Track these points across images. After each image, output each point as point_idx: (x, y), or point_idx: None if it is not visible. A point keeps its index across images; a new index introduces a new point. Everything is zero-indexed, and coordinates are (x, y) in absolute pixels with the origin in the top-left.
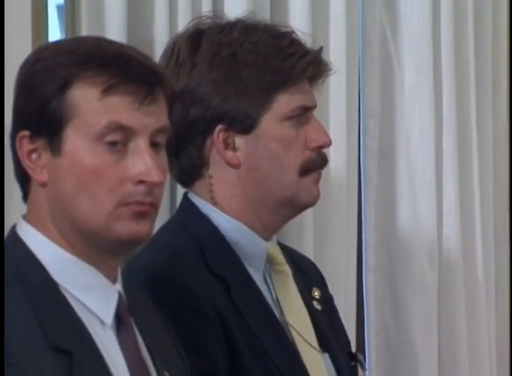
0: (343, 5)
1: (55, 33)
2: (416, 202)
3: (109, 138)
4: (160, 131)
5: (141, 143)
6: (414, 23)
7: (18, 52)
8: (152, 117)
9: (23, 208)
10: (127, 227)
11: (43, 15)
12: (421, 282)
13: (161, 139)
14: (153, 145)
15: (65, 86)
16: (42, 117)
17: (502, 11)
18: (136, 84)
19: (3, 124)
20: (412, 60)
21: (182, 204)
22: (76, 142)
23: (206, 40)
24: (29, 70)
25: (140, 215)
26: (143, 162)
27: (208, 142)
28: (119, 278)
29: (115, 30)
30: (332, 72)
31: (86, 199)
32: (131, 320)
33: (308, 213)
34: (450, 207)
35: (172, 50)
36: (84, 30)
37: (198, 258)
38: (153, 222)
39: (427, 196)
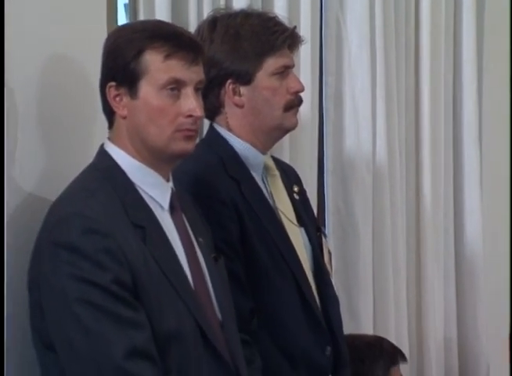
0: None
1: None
2: (359, 130)
3: (169, 87)
4: (200, 82)
5: (189, 91)
6: (357, 13)
7: (97, 35)
8: (195, 74)
9: (102, 135)
10: (180, 146)
11: (114, 10)
12: (362, 182)
13: (200, 88)
14: (196, 92)
15: (139, 53)
16: (125, 73)
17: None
18: (186, 52)
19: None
20: (356, 37)
21: (208, 130)
22: (147, 90)
23: (219, 24)
24: (114, 42)
25: (188, 138)
26: (191, 103)
27: (222, 91)
28: (171, 179)
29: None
30: (304, 42)
31: (153, 127)
32: (179, 206)
33: (286, 138)
34: (380, 133)
35: (198, 31)
36: None
37: (220, 167)
38: (195, 142)
39: (365, 126)
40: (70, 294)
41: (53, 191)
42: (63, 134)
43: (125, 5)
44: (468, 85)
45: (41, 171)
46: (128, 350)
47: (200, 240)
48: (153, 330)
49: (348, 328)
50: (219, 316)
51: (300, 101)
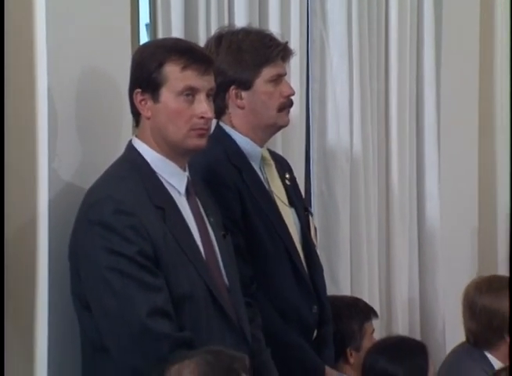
0: (297, 19)
1: (144, 40)
2: (340, 125)
3: (185, 93)
4: (211, 89)
5: (202, 96)
6: (338, 31)
7: (123, 50)
8: (207, 82)
9: (128, 133)
10: (194, 142)
11: (137, 29)
12: (341, 170)
13: (211, 94)
14: (207, 97)
15: (160, 65)
16: (149, 81)
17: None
18: (200, 64)
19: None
20: (337, 50)
21: (215, 128)
22: (167, 95)
23: (224, 39)
24: (140, 56)
25: (201, 135)
26: (203, 106)
27: (227, 95)
28: (187, 169)
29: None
30: (295, 55)
31: (172, 126)
32: (194, 192)
33: (279, 133)
34: (357, 130)
35: (207, 45)
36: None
37: (226, 158)
38: (206, 139)
39: (345, 122)
40: (102, 263)
41: (88, 180)
42: (96, 132)
43: (146, 25)
44: (429, 90)
45: (78, 164)
46: (149, 309)
47: (212, 219)
48: (170, 293)
49: (330, 291)
50: (227, 282)
51: (291, 103)
